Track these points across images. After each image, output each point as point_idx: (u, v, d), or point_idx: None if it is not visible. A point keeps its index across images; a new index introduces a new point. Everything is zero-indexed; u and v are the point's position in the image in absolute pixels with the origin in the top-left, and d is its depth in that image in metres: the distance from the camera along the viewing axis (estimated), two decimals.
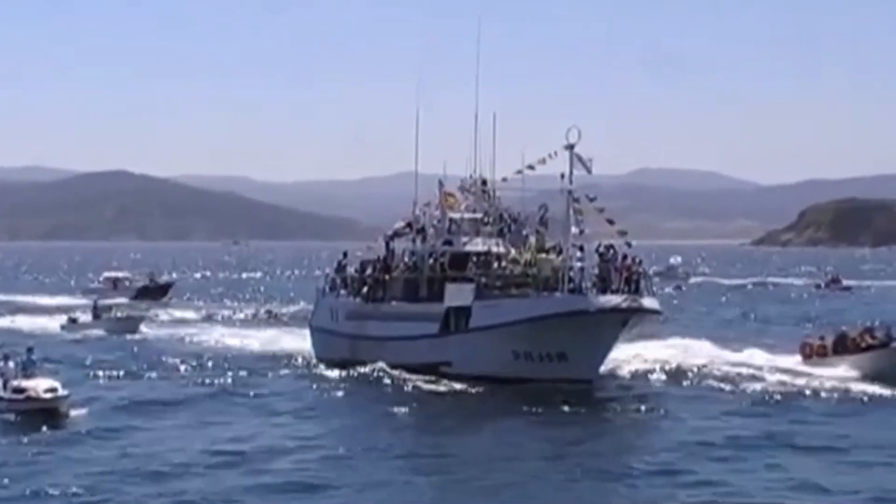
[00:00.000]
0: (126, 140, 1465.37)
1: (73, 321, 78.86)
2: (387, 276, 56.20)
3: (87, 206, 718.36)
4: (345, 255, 60.16)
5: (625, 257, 51.04)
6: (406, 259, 56.73)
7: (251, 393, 48.44)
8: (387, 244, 57.87)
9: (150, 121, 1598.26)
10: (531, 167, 53.94)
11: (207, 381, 51.58)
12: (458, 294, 52.21)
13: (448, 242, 54.98)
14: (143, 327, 76.89)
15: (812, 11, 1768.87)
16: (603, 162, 51.85)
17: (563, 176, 51.50)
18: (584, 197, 52.01)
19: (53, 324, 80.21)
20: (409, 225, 57.10)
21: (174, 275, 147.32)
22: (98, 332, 74.76)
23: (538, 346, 50.00)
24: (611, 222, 52.63)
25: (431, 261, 54.88)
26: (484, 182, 56.79)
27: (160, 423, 41.49)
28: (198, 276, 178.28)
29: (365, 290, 56.72)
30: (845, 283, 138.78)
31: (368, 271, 57.22)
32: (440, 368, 51.55)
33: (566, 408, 44.21)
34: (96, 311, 79.62)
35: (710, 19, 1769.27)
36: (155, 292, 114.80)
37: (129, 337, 72.26)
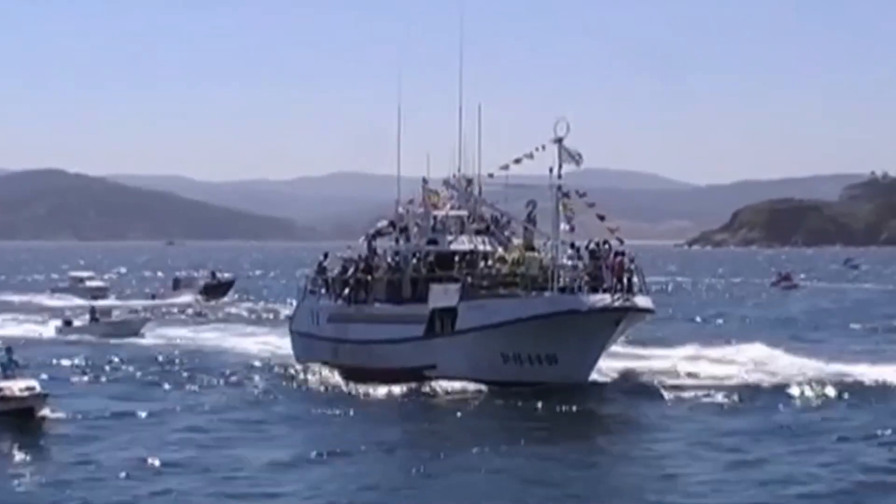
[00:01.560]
0: (61, 139, 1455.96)
1: (67, 324, 75.52)
2: (369, 277, 54.29)
3: (20, 204, 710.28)
4: (325, 255, 58.19)
5: (616, 254, 49.48)
6: (389, 259, 54.93)
7: (224, 400, 46.71)
8: (369, 244, 56.01)
9: (85, 120, 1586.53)
10: (517, 161, 52.21)
11: (191, 387, 50.00)
12: (443, 295, 50.43)
13: (432, 241, 53.10)
14: (144, 331, 73.12)
15: (744, 10, 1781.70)
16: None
17: (551, 170, 50.03)
18: (574, 192, 50.56)
19: (42, 327, 77.38)
20: (392, 224, 55.31)
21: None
22: (94, 336, 71.14)
23: (527, 347, 48.33)
24: (601, 218, 51.05)
25: (415, 261, 53.12)
26: (469, 180, 55.03)
27: (137, 433, 39.55)
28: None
29: (347, 291, 54.82)
30: (795, 281, 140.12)
31: (350, 272, 55.26)
32: (425, 372, 49.73)
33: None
34: (94, 314, 75.89)
35: (644, 21, 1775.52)
36: (217, 290, 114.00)
37: (126, 341, 68.60)
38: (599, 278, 48.62)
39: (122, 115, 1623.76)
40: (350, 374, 51.21)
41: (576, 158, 49.81)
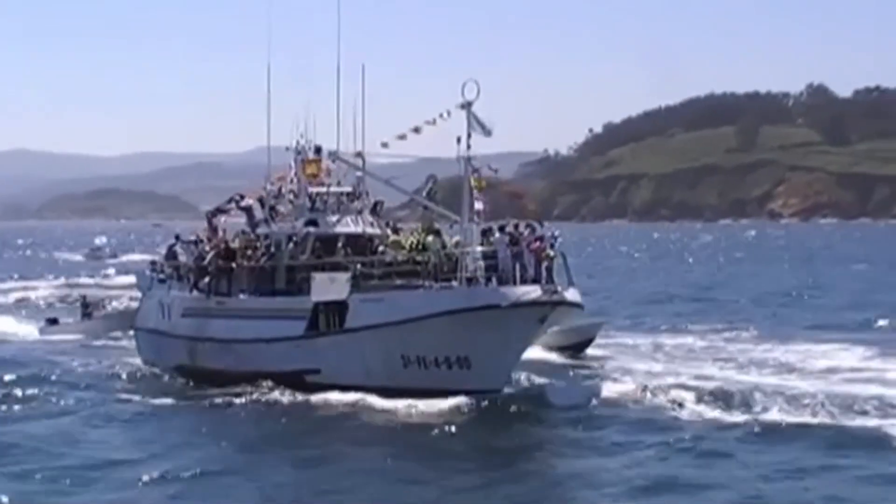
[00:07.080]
0: None
1: (52, 322, 62.00)
2: (233, 265, 45.59)
3: None
4: (177, 238, 49.22)
5: (536, 239, 42.01)
6: (237, 242, 46.59)
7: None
8: (209, 222, 47.51)
9: None
10: (417, 130, 44.32)
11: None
12: (329, 286, 41.89)
13: (312, 222, 44.79)
14: None
15: None
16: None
17: (458, 140, 42.09)
18: (487, 167, 43.05)
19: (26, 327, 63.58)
20: (260, 200, 46.64)
21: None
22: (82, 335, 58.49)
23: (435, 349, 40.28)
24: (518, 196, 43.80)
25: (291, 245, 44.61)
26: (318, 150, 46.70)
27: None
28: None
29: (207, 280, 45.94)
30: None
31: (210, 257, 46.29)
32: (306, 378, 41.66)
33: None
34: (86, 308, 62.57)
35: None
36: None
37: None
38: (521, 266, 41.15)
39: None
40: (210, 378, 43.05)
41: (485, 127, 42.14)
